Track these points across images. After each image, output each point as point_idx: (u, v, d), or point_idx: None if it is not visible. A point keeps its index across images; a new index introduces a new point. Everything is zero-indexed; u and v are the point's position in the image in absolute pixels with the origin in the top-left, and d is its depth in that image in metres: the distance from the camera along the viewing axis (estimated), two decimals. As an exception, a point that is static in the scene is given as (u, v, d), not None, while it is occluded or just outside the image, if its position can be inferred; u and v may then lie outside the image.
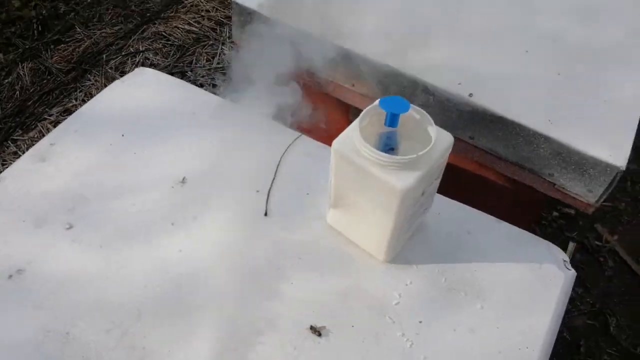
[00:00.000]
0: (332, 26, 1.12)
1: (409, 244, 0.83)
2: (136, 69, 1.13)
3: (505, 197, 1.14)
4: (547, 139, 0.99)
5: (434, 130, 0.70)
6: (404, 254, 0.82)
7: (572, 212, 1.85)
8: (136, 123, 1.01)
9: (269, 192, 0.89)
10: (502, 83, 1.07)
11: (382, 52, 1.09)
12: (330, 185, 0.78)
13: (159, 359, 0.73)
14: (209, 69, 2.16)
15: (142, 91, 1.08)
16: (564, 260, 0.82)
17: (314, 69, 1.07)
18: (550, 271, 0.81)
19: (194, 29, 2.33)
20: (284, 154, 0.94)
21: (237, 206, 0.88)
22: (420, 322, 0.76)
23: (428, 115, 0.71)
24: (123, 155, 0.96)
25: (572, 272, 0.82)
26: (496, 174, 1.10)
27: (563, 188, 1.03)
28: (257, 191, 0.89)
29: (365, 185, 0.71)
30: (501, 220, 0.86)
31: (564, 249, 1.74)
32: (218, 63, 2.21)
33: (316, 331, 0.75)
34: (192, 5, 2.46)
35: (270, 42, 1.06)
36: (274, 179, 0.91)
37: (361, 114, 0.70)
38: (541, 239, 0.84)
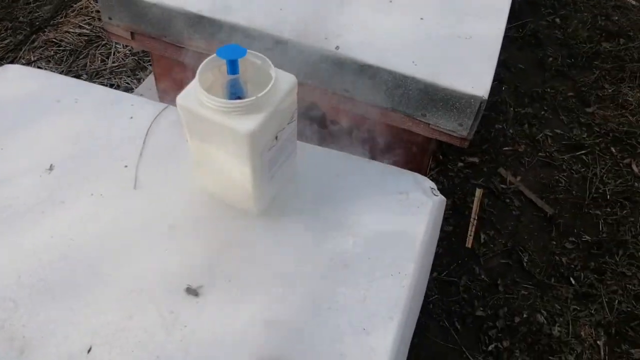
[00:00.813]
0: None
1: (281, 194, 0.84)
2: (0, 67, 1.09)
3: (389, 146, 1.17)
4: (413, 80, 1.02)
5: (274, 72, 0.70)
6: (277, 204, 0.83)
7: (476, 160, 1.92)
8: (0, 119, 0.97)
9: (137, 165, 0.87)
10: (367, 33, 1.09)
11: (246, 16, 1.10)
12: (188, 146, 0.77)
13: (40, 345, 0.71)
14: (104, 69, 2.11)
15: (6, 87, 1.04)
16: (431, 188, 0.85)
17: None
18: (417, 200, 0.83)
19: (85, 31, 2.26)
20: (150, 126, 0.92)
21: (106, 184, 0.86)
22: (297, 266, 0.77)
23: (267, 59, 0.71)
24: (-13, 153, 0.92)
25: (440, 198, 0.85)
26: (375, 123, 1.12)
27: (437, 126, 1.06)
28: (126, 166, 0.88)
29: (216, 136, 0.71)
30: (370, 160, 0.88)
31: (472, 196, 1.81)
32: (113, 62, 2.15)
33: (193, 291, 0.75)
34: (81, 8, 2.38)
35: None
36: (141, 151, 0.89)
37: (200, 66, 0.70)
38: (408, 171, 0.87)
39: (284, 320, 0.72)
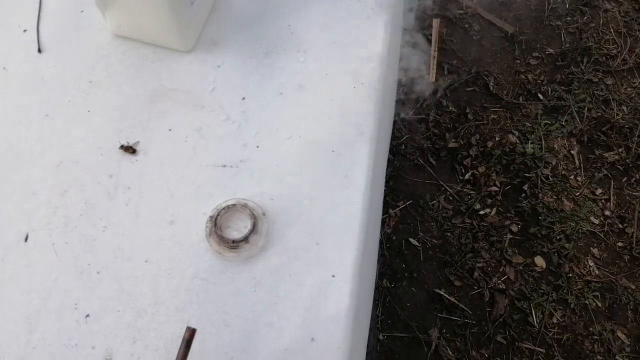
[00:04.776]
0: None
1: (211, 24, 0.71)
2: None
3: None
4: None
5: None
6: (208, 36, 0.70)
7: (429, -11, 1.78)
8: None
9: (37, 26, 0.73)
10: None
11: None
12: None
13: None
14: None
15: None
16: (383, -14, 0.73)
17: None
18: (370, 1, 0.72)
19: None
20: (41, -23, 0.76)
21: (5, 54, 0.71)
22: (244, 98, 0.66)
23: None
24: None
25: (395, -4, 0.74)
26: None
27: None
28: (25, 30, 0.73)
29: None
30: (307, -32, 0.75)
31: (430, 28, 1.69)
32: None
33: (129, 149, 0.64)
34: None
35: None
36: (39, 11, 0.74)
37: None
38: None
39: (242, 160, 0.63)
